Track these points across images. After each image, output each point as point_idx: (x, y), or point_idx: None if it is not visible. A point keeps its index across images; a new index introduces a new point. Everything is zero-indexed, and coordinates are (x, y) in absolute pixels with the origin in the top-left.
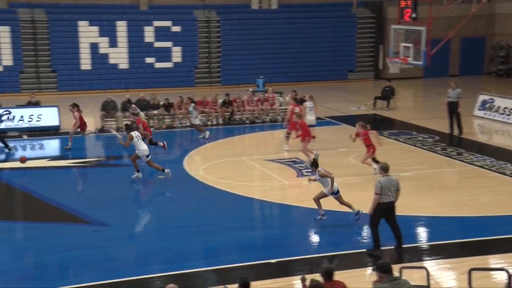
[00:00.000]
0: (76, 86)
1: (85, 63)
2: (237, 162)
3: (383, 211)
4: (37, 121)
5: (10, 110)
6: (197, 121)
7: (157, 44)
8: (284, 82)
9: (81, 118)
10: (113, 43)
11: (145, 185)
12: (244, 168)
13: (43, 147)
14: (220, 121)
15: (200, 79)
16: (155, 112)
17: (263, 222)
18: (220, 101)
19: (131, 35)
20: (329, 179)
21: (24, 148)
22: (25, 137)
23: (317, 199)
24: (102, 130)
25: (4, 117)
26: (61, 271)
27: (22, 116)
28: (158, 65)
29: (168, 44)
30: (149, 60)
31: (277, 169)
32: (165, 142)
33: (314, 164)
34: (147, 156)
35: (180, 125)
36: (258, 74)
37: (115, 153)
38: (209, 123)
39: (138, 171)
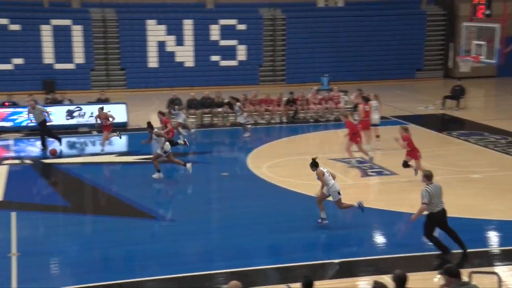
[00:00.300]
0: (143, 84)
1: (153, 61)
2: (300, 161)
3: (438, 221)
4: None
5: (81, 106)
6: (242, 120)
7: (223, 43)
8: (350, 80)
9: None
10: (179, 41)
11: (209, 182)
12: (308, 167)
13: (111, 143)
14: (284, 119)
15: (264, 77)
16: (219, 110)
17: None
18: (284, 99)
19: (197, 34)
20: (327, 179)
21: (93, 144)
22: (94, 133)
23: (319, 202)
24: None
25: (75, 113)
26: (127, 264)
27: (92, 113)
28: (223, 63)
29: (233, 42)
30: (214, 58)
31: (341, 168)
32: (185, 140)
33: (314, 164)
34: (165, 153)
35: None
36: (323, 72)
37: (180, 150)
38: (273, 121)
39: (159, 171)
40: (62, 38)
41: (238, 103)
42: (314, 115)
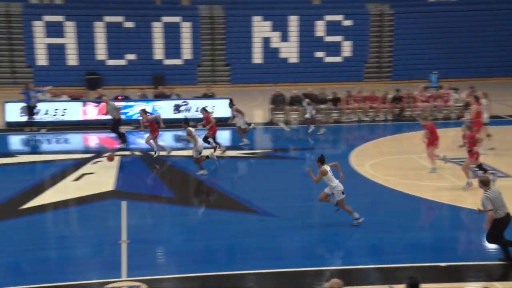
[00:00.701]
0: (248, 80)
1: (257, 57)
2: (405, 160)
3: (504, 225)
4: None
5: (188, 101)
6: (308, 116)
7: (328, 39)
8: (460, 78)
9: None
10: (284, 38)
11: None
12: (413, 166)
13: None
14: (389, 117)
15: (369, 73)
16: (323, 106)
17: (432, 223)
18: (390, 96)
19: (302, 30)
20: (330, 178)
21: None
22: (200, 126)
23: (321, 201)
24: (271, 123)
25: (182, 108)
26: (229, 256)
27: (197, 107)
28: (328, 59)
29: (338, 38)
30: (319, 54)
31: (450, 169)
32: (217, 145)
33: (321, 160)
34: (200, 153)
35: (347, 120)
36: (431, 69)
37: (282, 146)
38: (377, 119)
39: (202, 169)
40: (171, 34)
41: (307, 100)
42: (421, 113)
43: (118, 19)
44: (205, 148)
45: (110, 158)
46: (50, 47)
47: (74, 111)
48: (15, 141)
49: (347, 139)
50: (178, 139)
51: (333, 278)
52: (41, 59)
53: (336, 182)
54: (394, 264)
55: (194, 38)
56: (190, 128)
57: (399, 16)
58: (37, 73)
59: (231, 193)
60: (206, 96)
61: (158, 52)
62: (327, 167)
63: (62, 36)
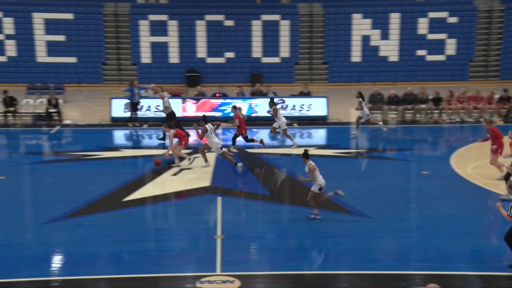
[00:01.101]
0: (345, 78)
1: (356, 55)
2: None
3: None
4: (307, 110)
5: (284, 99)
6: (363, 115)
7: (430, 36)
8: None
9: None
10: (384, 36)
11: (408, 180)
12: None
13: (311, 135)
14: (496, 118)
15: (475, 72)
16: (423, 106)
17: None
18: (496, 97)
19: (404, 27)
20: (316, 175)
21: (294, 136)
22: (295, 125)
23: (310, 199)
24: (368, 122)
25: (278, 106)
26: (321, 256)
27: (294, 105)
28: (430, 57)
29: (442, 36)
30: (421, 52)
31: None
32: (262, 139)
33: (305, 155)
34: (221, 148)
35: (449, 121)
36: None
37: (378, 146)
38: (481, 120)
39: (206, 161)
40: (270, 33)
41: (359, 99)
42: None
43: (219, 17)
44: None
45: (157, 163)
46: (154, 45)
47: (174, 107)
48: (119, 135)
49: (448, 140)
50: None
51: (430, 283)
52: (145, 57)
53: (320, 178)
54: (494, 272)
55: (292, 36)
56: (207, 126)
57: (510, 12)
58: (141, 71)
59: (325, 192)
60: (302, 94)
61: (256, 50)
62: (313, 164)
63: (165, 35)
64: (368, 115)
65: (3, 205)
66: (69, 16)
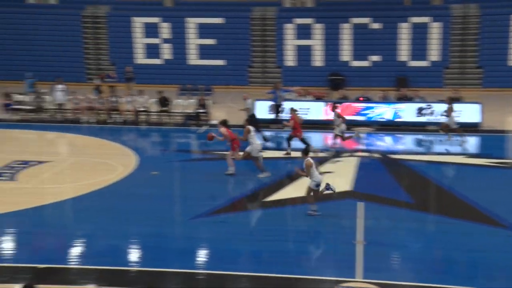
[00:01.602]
0: (502, 83)
1: None
2: None
3: None
4: (457, 117)
5: (432, 104)
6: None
7: None
8: None
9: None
10: None
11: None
12: None
13: (462, 143)
14: None
15: None
16: None
17: None
18: None
19: None
20: (312, 172)
21: (441, 143)
22: (441, 132)
23: (308, 196)
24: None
25: (425, 111)
26: (469, 270)
27: (442, 111)
28: None
29: None
30: None
31: None
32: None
33: (305, 151)
34: (259, 152)
35: None
36: None
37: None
38: None
39: (263, 171)
40: (418, 35)
41: (449, 105)
42: None
43: (365, 20)
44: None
45: (210, 137)
46: (299, 48)
47: (317, 110)
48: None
49: None
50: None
51: None
52: (290, 60)
53: (316, 174)
54: None
55: (444, 39)
56: (250, 127)
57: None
58: (285, 73)
59: (476, 203)
60: (452, 100)
61: (403, 53)
62: (311, 160)
63: (310, 38)
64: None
65: (157, 199)
66: (220, 20)
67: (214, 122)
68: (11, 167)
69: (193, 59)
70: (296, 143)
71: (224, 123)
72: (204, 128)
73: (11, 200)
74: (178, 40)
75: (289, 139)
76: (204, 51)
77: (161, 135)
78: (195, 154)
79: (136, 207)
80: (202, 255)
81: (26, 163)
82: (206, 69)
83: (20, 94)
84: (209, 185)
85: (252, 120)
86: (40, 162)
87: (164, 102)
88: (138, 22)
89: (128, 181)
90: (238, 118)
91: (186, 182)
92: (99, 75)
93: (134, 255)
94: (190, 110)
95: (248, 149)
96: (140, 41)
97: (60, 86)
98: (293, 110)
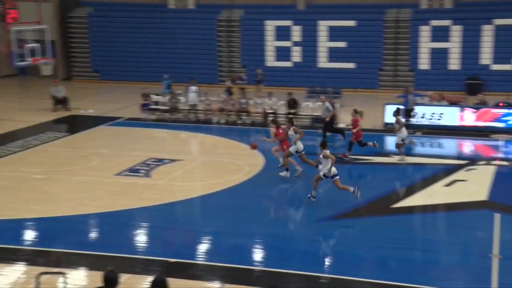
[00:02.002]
0: None
1: None
2: None
3: None
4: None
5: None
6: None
7: None
8: None
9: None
10: None
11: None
12: None
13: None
14: None
15: None
16: None
17: None
18: None
19: None
20: (329, 161)
21: None
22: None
23: (315, 180)
24: None
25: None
26: None
27: None
28: None
29: None
30: None
31: None
32: (375, 142)
33: (323, 145)
34: (297, 152)
35: None
36: None
37: None
38: None
39: (287, 170)
40: None
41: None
42: None
43: (510, 21)
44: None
45: (253, 146)
46: (434, 51)
47: (451, 116)
48: (391, 142)
49: None
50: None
51: None
52: (423, 63)
53: (328, 166)
54: None
55: None
56: (293, 128)
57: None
58: (418, 77)
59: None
60: None
61: None
62: (328, 152)
63: (446, 41)
64: None
65: (282, 200)
66: (351, 23)
67: (342, 125)
68: (147, 164)
69: (323, 62)
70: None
71: (275, 122)
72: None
73: (145, 196)
74: (309, 43)
75: (350, 144)
76: (334, 54)
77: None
78: None
79: (262, 207)
80: (325, 259)
81: (160, 161)
82: (335, 72)
83: (157, 95)
84: (334, 188)
85: (328, 124)
86: (172, 160)
87: (292, 104)
88: (270, 25)
89: (254, 181)
90: (365, 121)
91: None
92: (230, 77)
93: (258, 254)
94: (318, 113)
95: (291, 148)
96: (271, 44)
97: (193, 88)
98: (356, 112)
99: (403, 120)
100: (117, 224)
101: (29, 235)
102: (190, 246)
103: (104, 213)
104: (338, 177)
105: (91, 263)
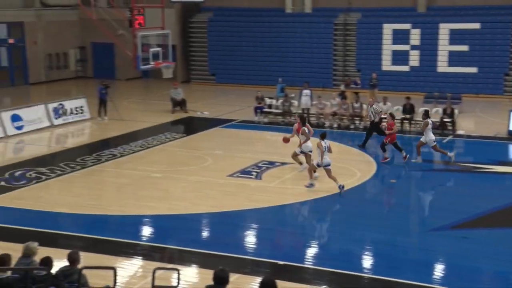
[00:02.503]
0: None
1: None
2: None
3: None
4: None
5: None
6: None
7: None
8: None
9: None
10: None
11: None
12: None
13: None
14: None
15: None
16: None
17: None
18: None
19: None
20: (319, 153)
21: None
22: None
23: (309, 171)
24: None
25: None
26: None
27: None
28: None
29: None
30: None
31: None
32: (406, 155)
33: (322, 136)
34: (434, 141)
35: None
36: None
37: None
38: None
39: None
40: None
41: None
42: None
43: None
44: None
45: (285, 140)
46: None
47: None
48: None
49: None
50: None
51: None
52: None
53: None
54: None
55: None
56: (305, 128)
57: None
58: None
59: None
60: None
61: None
62: (322, 143)
63: None
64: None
65: (393, 207)
66: (475, 26)
67: (461, 132)
68: (258, 167)
69: (442, 66)
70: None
71: (301, 118)
72: (448, 137)
73: (256, 198)
74: (428, 47)
75: (381, 145)
76: (455, 58)
77: (402, 143)
78: (438, 165)
79: (372, 213)
80: (438, 270)
81: (272, 164)
82: (455, 76)
83: (271, 98)
84: (451, 197)
85: (372, 127)
86: (283, 163)
87: (409, 109)
88: (388, 29)
89: (365, 187)
90: (487, 128)
91: (426, 192)
92: (345, 81)
93: (368, 261)
94: (434, 119)
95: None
96: (387, 47)
97: (306, 91)
98: (391, 116)
99: None
100: (228, 224)
101: (146, 231)
102: (299, 249)
103: (216, 213)
104: (330, 167)
105: (203, 261)
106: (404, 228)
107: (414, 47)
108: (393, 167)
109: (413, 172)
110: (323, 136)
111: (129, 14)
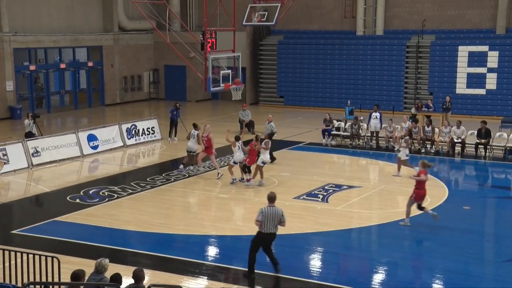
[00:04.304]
0: None
1: None
2: None
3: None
4: None
5: None
6: None
7: None
8: None
9: None
10: None
11: None
12: None
13: None
14: None
15: None
16: None
17: None
18: None
19: None
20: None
21: None
22: None
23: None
24: None
25: None
26: None
27: None
28: None
29: None
30: None
31: None
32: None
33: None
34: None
35: None
36: None
37: None
38: None
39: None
40: None
41: None
42: None
43: None
44: None
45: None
46: None
47: None
48: None
49: None
50: None
51: None
52: None
53: (238, 154)
54: None
55: None
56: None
57: None
58: None
59: None
60: None
61: None
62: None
63: None
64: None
65: (467, 234)
66: None
67: None
68: (325, 189)
69: None
70: None
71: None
72: None
73: (322, 221)
74: (506, 70)
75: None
76: None
77: (477, 168)
78: None
79: (443, 240)
80: None
81: (338, 187)
82: None
83: (339, 120)
84: None
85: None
86: (350, 187)
87: (485, 134)
88: (463, 51)
89: (436, 213)
90: None
91: (501, 220)
92: (416, 104)
93: None
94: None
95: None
96: (462, 70)
97: (376, 114)
98: (425, 165)
99: None
100: (294, 247)
101: (212, 251)
102: (365, 274)
103: (282, 235)
104: (237, 164)
105: (267, 283)
106: (476, 257)
107: (490, 70)
108: (466, 193)
109: (489, 199)
110: (237, 139)
111: (202, 37)
